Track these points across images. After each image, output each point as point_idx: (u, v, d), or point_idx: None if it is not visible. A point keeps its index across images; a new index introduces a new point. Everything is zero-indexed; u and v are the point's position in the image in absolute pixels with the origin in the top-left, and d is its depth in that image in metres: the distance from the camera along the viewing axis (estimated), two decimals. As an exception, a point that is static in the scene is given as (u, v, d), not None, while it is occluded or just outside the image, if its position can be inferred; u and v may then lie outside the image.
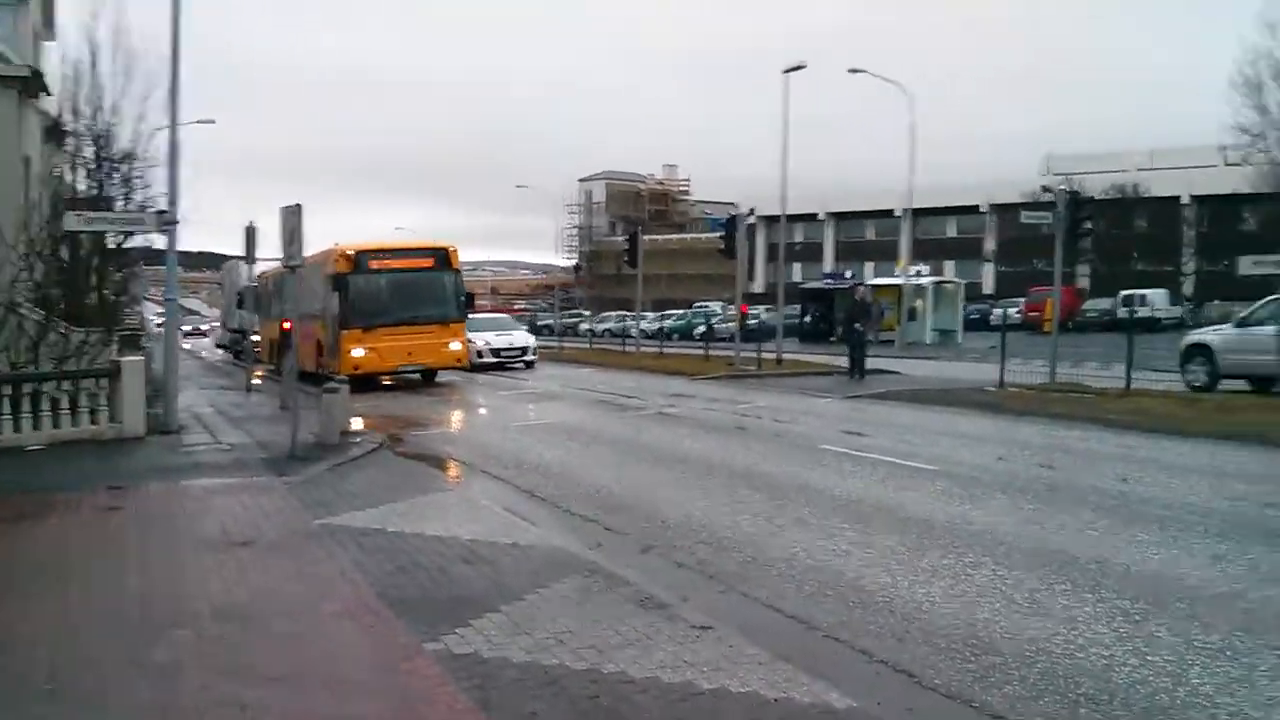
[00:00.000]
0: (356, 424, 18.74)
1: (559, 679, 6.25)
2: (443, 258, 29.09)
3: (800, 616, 7.56)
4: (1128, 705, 5.75)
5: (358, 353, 27.25)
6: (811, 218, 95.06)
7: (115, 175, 28.84)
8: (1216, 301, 63.20)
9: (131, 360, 18.03)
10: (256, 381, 29.19)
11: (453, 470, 14.71)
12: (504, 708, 5.83)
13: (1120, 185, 70.66)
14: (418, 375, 29.58)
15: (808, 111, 42.20)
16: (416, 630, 7.21)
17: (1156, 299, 55.10)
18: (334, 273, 27.78)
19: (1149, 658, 6.45)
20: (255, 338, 36.80)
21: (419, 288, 28.62)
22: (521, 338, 38.41)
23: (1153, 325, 43.07)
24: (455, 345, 28.66)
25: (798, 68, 36.43)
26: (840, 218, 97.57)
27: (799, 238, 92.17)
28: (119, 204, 28.08)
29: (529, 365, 36.87)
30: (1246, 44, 58.53)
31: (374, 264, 28.11)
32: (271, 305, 34.71)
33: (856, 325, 29.09)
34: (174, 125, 18.47)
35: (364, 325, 27.36)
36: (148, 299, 55.85)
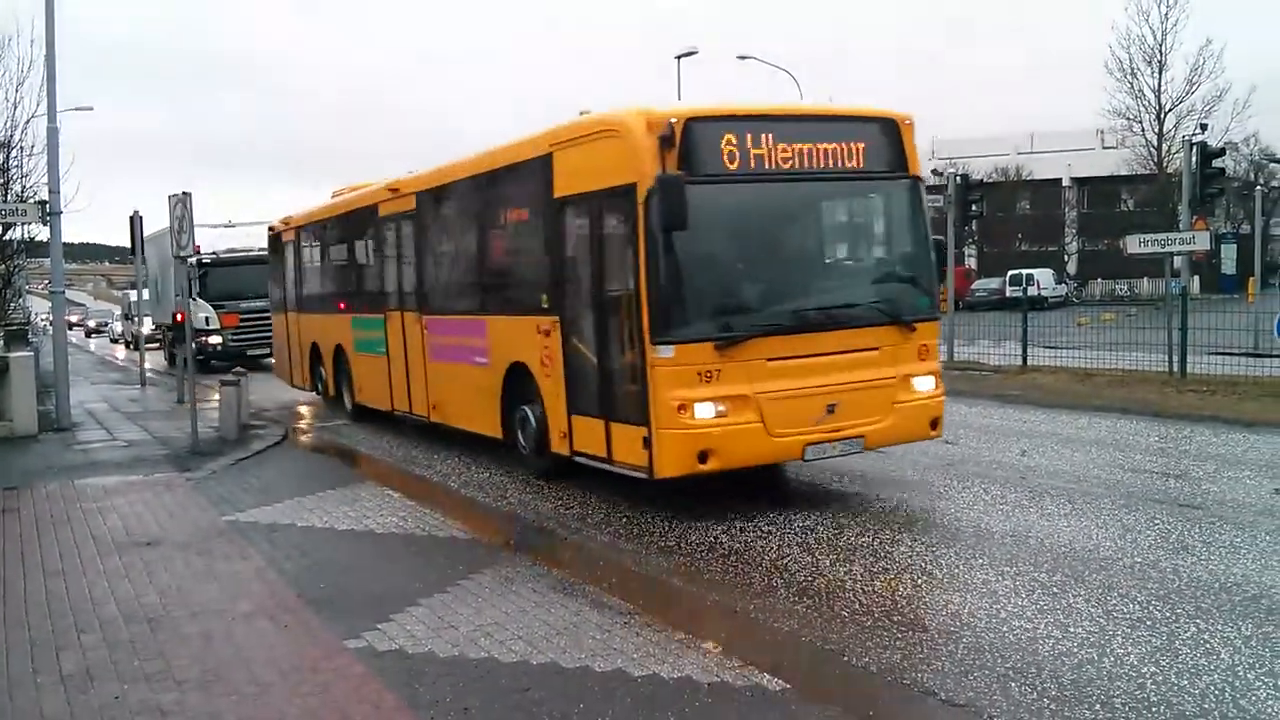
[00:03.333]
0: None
1: (489, 672, 6.16)
2: (887, 139, 10.76)
3: (723, 600, 7.54)
4: (1056, 678, 5.83)
5: (705, 412, 9.45)
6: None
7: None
8: (1099, 280, 65.26)
9: (20, 355, 17.40)
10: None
11: (358, 463, 14.44)
12: (435, 705, 5.72)
13: (1003, 168, 72.23)
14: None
15: (700, 98, 42.52)
16: (336, 628, 7.07)
17: (1042, 278, 56.34)
18: (615, 187, 9.97)
19: (1071, 630, 6.55)
20: (215, 339, 30.14)
21: (843, 228, 11.89)
22: None
23: (1040, 304, 44.15)
24: (925, 383, 10.71)
25: (690, 53, 36.59)
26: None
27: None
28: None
29: None
30: (1120, 29, 60.17)
31: (732, 153, 9.82)
32: (307, 282, 20.52)
33: None
34: (52, 112, 17.89)
35: (719, 337, 9.57)
36: (32, 292, 53.82)
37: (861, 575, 7.85)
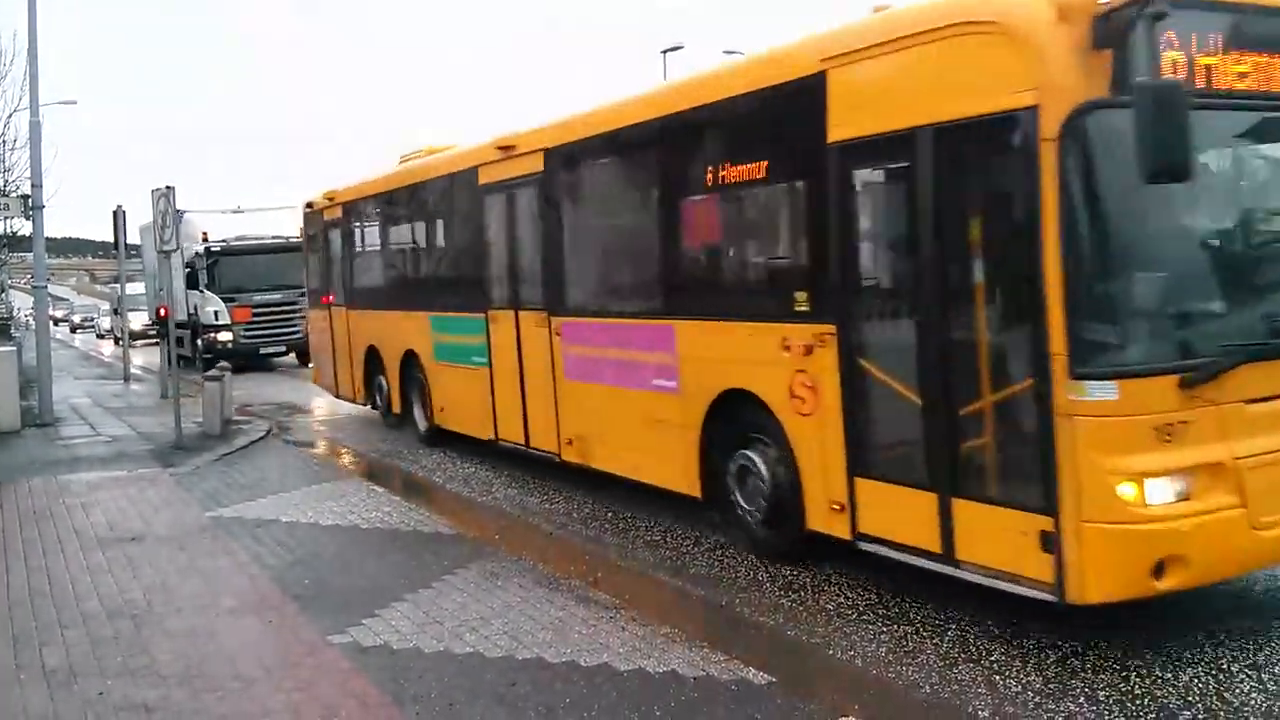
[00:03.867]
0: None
1: (474, 668, 6.15)
2: None
3: (709, 594, 7.53)
4: (1040, 670, 5.86)
5: (1162, 493, 5.73)
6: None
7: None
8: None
9: (2, 350, 17.32)
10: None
11: (342, 458, 14.39)
12: (420, 700, 5.72)
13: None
14: None
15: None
16: (321, 623, 7.06)
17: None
18: (980, 117, 6.21)
19: (1056, 623, 6.56)
20: (226, 335, 27.61)
21: None
22: None
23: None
24: None
25: (676, 48, 36.61)
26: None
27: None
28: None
29: None
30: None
31: (1177, 61, 5.90)
32: (361, 271, 16.48)
33: None
34: (35, 106, 17.90)
35: (1189, 367, 5.82)
36: (14, 287, 53.42)
37: (845, 569, 7.85)
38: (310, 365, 19.43)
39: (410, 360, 14.37)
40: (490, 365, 12.00)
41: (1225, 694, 5.46)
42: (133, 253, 30.92)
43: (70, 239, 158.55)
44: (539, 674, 6.01)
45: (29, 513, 10.74)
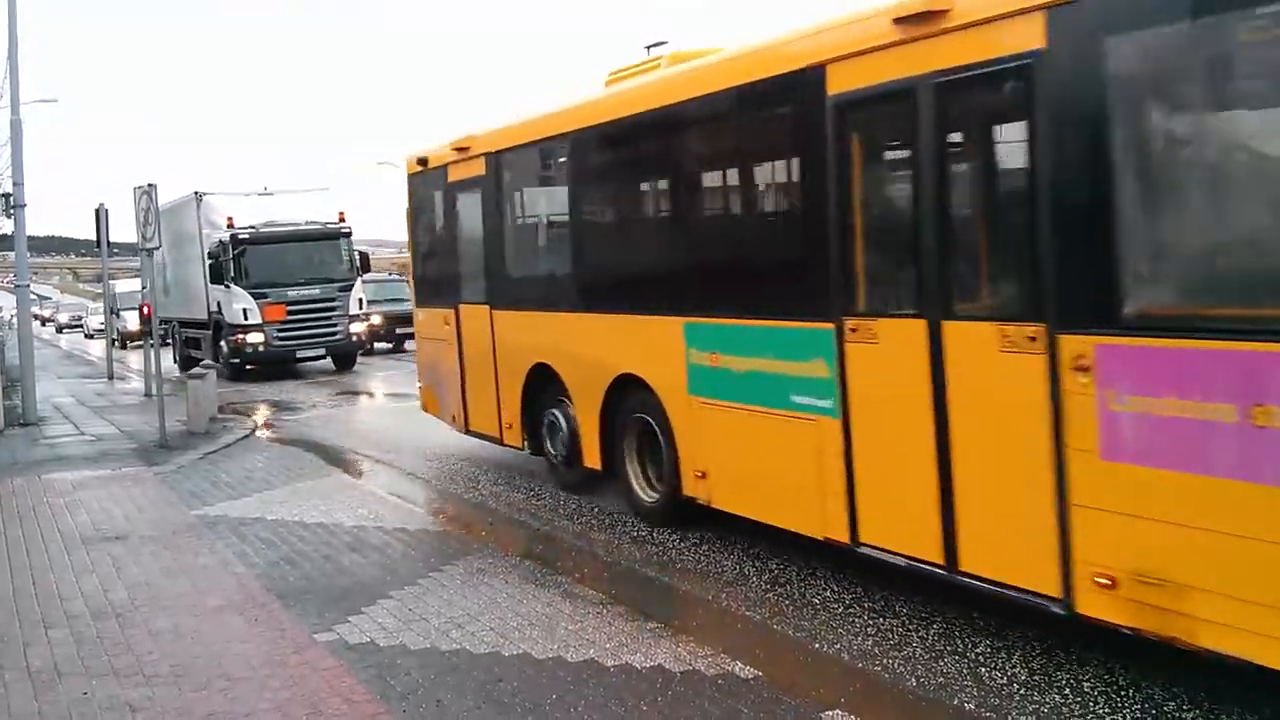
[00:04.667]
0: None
1: (461, 664, 6.15)
2: None
3: (695, 589, 7.54)
4: (1025, 662, 5.88)
5: None
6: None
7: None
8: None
9: (-17, 351, 17.28)
10: None
11: (327, 455, 14.33)
12: (407, 697, 5.71)
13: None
14: None
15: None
16: (307, 621, 7.05)
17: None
18: None
19: (1042, 618, 6.57)
20: (256, 336, 23.98)
21: None
22: None
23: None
24: None
25: (659, 44, 36.69)
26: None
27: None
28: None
29: None
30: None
31: None
32: (523, 253, 11.66)
33: None
34: (15, 104, 17.89)
35: None
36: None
37: (831, 564, 7.86)
38: (419, 385, 14.18)
39: (625, 390, 9.40)
40: (844, 413, 6.92)
41: (1209, 682, 5.47)
42: (115, 250, 30.72)
43: (54, 237, 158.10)
44: (525, 670, 6.01)
45: (13, 512, 10.70)
